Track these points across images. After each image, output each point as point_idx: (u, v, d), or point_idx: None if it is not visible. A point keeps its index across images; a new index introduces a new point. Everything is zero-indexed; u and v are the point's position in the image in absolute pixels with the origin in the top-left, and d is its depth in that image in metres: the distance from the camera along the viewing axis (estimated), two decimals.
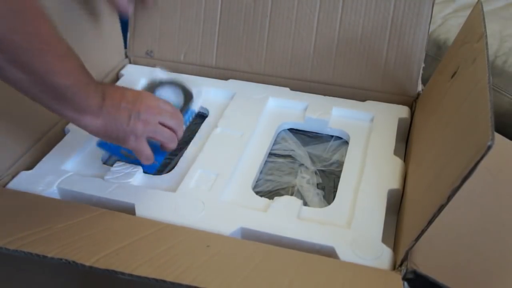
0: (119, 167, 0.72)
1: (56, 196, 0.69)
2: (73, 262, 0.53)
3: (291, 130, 0.84)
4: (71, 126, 0.80)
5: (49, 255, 0.54)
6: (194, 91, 0.79)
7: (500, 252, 0.59)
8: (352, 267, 0.57)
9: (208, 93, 0.89)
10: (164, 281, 0.51)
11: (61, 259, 0.53)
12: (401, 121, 0.82)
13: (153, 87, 0.78)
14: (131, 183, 0.70)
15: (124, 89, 0.67)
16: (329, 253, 0.60)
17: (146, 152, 0.68)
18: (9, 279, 0.64)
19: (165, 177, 0.73)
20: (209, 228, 0.62)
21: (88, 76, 0.61)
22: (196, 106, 0.80)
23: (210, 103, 0.87)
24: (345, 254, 0.59)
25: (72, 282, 0.62)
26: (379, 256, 0.59)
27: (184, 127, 0.74)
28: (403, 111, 0.84)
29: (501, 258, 0.58)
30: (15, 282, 0.65)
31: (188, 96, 0.79)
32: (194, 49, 0.93)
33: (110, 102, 0.63)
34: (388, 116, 0.82)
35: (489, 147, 0.44)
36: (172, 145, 0.70)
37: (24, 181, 0.70)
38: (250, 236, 0.63)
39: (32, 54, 0.53)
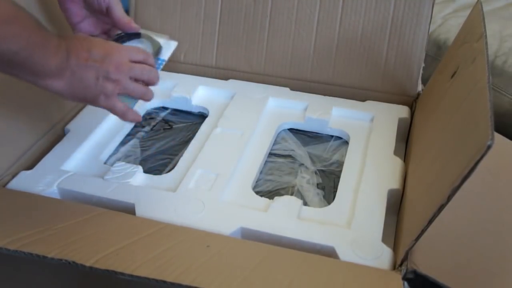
0: (119, 167, 0.72)
1: (56, 196, 0.69)
2: (73, 262, 0.53)
3: (291, 130, 0.84)
4: (71, 126, 0.81)
5: (49, 256, 0.54)
6: (162, 42, 0.75)
7: (500, 252, 0.59)
8: (352, 267, 0.57)
9: (208, 93, 0.89)
10: (164, 282, 0.51)
11: (61, 260, 0.53)
12: (401, 121, 0.82)
13: (119, 40, 0.74)
14: (131, 183, 0.70)
15: (91, 43, 0.61)
16: (329, 253, 0.60)
17: (119, 108, 0.64)
18: (9, 279, 0.64)
19: (165, 177, 0.73)
20: (209, 228, 0.62)
21: (45, 36, 0.55)
22: (166, 56, 0.75)
23: (210, 103, 0.87)
24: (345, 254, 0.59)
25: (72, 282, 0.62)
26: (379, 256, 0.59)
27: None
28: (403, 111, 0.84)
29: (501, 258, 0.58)
30: (15, 282, 0.65)
31: (156, 47, 0.74)
32: (194, 49, 0.93)
33: (75, 62, 0.59)
34: (388, 116, 0.82)
35: (489, 147, 0.44)
36: (147, 97, 0.67)
37: (24, 181, 0.70)
38: (250, 236, 0.63)
39: None
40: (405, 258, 0.55)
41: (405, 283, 0.54)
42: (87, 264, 0.53)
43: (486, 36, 0.61)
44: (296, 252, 0.59)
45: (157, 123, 0.87)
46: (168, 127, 0.86)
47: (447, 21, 1.23)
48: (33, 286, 0.65)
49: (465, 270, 0.57)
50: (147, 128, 0.85)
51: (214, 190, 0.69)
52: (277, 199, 0.68)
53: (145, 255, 0.55)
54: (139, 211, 0.65)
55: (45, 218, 0.61)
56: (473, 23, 0.70)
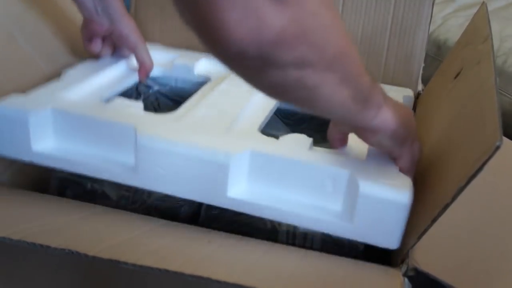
0: (119, 101, 0.68)
1: (49, 119, 0.64)
2: (77, 252, 0.53)
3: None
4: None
5: (52, 245, 0.53)
6: None
7: (501, 251, 0.59)
8: (353, 263, 0.57)
9: (211, 64, 0.85)
10: (167, 271, 0.51)
11: (64, 249, 0.53)
12: None
13: None
14: (131, 111, 0.66)
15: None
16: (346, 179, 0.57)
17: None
18: (9, 279, 0.64)
19: (168, 114, 0.68)
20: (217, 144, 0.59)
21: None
22: None
23: (213, 73, 0.82)
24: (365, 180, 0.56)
25: (74, 280, 0.62)
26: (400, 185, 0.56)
27: None
28: None
29: (501, 257, 0.59)
30: (15, 283, 0.64)
31: None
32: (195, 49, 0.92)
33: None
34: None
35: (497, 148, 0.44)
36: None
37: (15, 102, 0.64)
38: (260, 162, 0.59)
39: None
40: (406, 256, 0.56)
41: (406, 280, 0.54)
42: (91, 253, 0.53)
43: (492, 38, 0.62)
44: (296, 248, 0.59)
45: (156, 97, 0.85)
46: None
47: (447, 21, 1.24)
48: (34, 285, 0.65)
49: (465, 269, 0.57)
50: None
51: (221, 125, 0.65)
52: (285, 136, 0.63)
53: (147, 248, 0.55)
54: (141, 136, 0.60)
55: (45, 216, 0.61)
56: (477, 25, 0.70)
